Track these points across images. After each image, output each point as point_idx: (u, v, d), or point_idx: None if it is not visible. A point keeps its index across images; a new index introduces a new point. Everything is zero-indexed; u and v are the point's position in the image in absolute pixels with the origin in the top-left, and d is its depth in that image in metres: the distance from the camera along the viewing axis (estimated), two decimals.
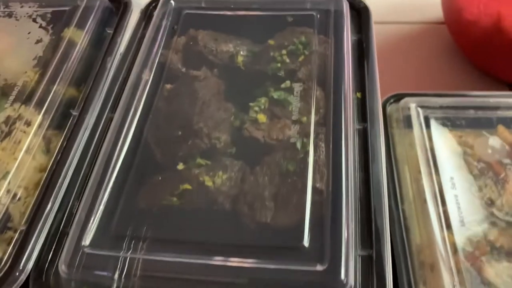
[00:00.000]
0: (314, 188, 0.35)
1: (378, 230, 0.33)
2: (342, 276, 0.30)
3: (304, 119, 0.40)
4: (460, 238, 0.36)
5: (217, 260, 0.32)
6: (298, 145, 0.38)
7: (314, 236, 0.32)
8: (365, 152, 0.38)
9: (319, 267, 0.30)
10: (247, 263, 0.31)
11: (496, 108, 0.45)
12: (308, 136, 0.38)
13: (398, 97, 0.47)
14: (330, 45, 0.44)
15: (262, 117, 0.41)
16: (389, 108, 0.46)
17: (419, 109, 0.45)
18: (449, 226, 0.37)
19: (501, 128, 0.44)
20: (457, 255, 0.35)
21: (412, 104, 0.45)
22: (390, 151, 0.42)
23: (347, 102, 0.39)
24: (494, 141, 0.43)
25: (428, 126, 0.44)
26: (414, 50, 0.62)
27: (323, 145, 0.38)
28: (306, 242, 0.32)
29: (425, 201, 0.38)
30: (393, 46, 0.64)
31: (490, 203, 0.39)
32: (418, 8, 0.68)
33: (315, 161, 0.37)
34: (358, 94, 0.42)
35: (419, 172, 0.40)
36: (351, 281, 0.30)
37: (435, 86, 0.58)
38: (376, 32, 0.48)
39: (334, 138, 0.37)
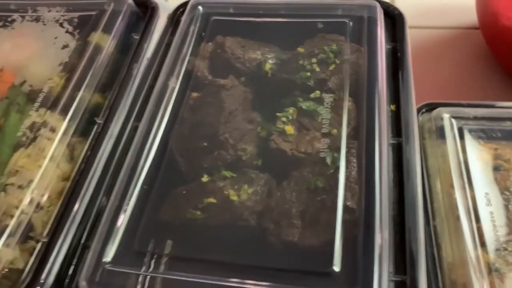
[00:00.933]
0: (345, 207, 0.33)
1: (412, 255, 0.31)
2: None
3: (335, 132, 0.38)
4: (495, 258, 0.35)
5: (241, 283, 0.31)
6: (328, 160, 0.36)
7: (345, 259, 0.30)
8: (398, 169, 0.36)
9: None
10: (274, 286, 0.30)
11: None
12: (339, 150, 0.36)
13: (430, 107, 0.46)
14: (363, 54, 0.43)
15: (290, 129, 0.39)
16: (421, 118, 0.45)
17: (453, 120, 0.44)
18: (483, 245, 0.36)
19: None
20: (491, 276, 0.34)
21: (445, 115, 0.44)
22: (421, 163, 0.40)
23: (382, 115, 0.37)
24: None
25: (462, 137, 0.42)
26: (445, 57, 0.61)
27: (354, 160, 0.36)
28: (336, 266, 0.30)
29: (458, 217, 0.37)
30: (423, 52, 0.62)
31: None
32: (450, 12, 0.66)
33: (346, 178, 0.35)
34: (392, 107, 0.40)
35: (452, 186, 0.39)
36: None
37: (467, 95, 0.56)
38: None
39: (368, 153, 0.35)
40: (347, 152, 0.36)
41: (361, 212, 0.33)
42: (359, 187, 0.34)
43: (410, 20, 0.64)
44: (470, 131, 0.43)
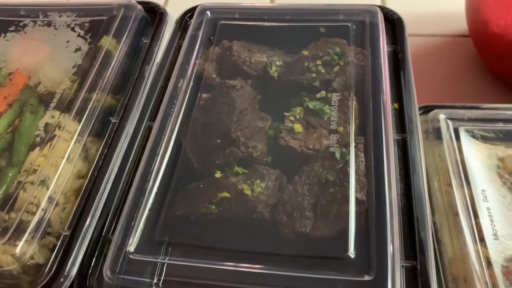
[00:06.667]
0: (356, 198, 0.35)
1: (421, 242, 0.33)
2: (389, 287, 0.30)
3: (341, 129, 0.40)
4: (493, 252, 0.36)
5: (259, 268, 0.32)
6: (337, 155, 0.38)
7: (359, 246, 0.32)
8: (404, 163, 0.38)
9: (366, 278, 0.30)
10: (291, 271, 0.31)
11: None
12: (347, 146, 0.38)
13: (426, 109, 0.47)
14: (366, 56, 0.45)
15: (298, 127, 0.41)
16: None
17: (449, 121, 0.45)
18: (482, 239, 0.37)
19: None
20: (491, 269, 0.35)
21: (441, 116, 0.45)
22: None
23: (387, 112, 0.39)
24: None
25: (458, 138, 0.44)
26: (437, 63, 0.62)
27: (362, 155, 0.38)
28: (352, 253, 0.32)
29: (456, 213, 0.38)
30: (415, 59, 0.63)
31: None
32: (440, 20, 0.67)
33: (355, 171, 0.36)
34: (396, 105, 0.42)
35: (450, 184, 0.40)
36: None
37: (459, 98, 0.57)
38: None
39: (376, 148, 0.37)
40: (355, 147, 0.38)
41: (372, 203, 0.34)
42: (368, 180, 0.36)
43: None
44: (465, 131, 0.45)
